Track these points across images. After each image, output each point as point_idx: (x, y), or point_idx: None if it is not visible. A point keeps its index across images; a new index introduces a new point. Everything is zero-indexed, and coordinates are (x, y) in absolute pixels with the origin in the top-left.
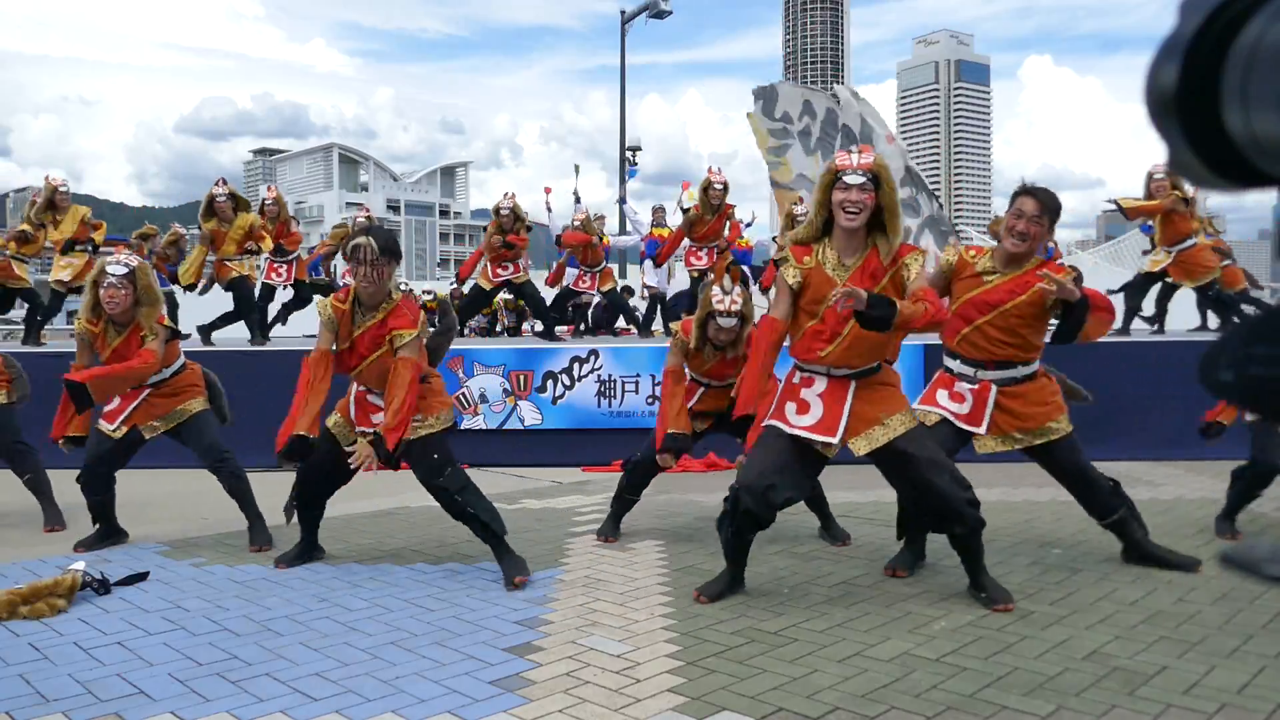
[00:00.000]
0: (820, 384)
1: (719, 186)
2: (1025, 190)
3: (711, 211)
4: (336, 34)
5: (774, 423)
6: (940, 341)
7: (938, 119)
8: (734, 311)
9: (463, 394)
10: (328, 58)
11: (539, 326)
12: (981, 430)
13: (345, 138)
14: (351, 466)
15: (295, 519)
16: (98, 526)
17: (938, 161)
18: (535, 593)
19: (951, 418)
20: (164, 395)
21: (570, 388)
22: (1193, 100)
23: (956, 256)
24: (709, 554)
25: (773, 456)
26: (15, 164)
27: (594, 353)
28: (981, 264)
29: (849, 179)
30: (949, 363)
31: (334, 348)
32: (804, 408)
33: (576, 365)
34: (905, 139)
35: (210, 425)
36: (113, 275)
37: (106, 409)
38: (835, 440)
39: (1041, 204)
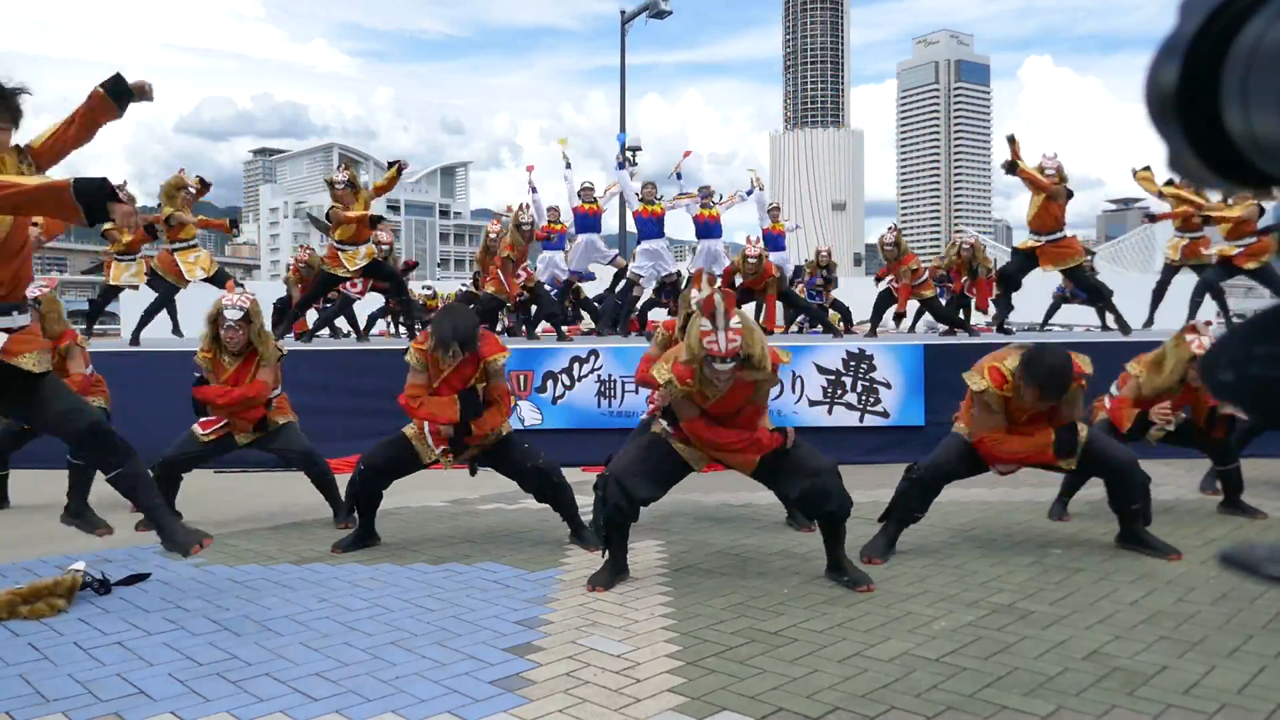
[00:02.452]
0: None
1: (753, 259)
2: (1041, 384)
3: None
4: (337, 34)
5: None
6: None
7: (938, 119)
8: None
9: None
10: (328, 58)
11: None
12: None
13: (345, 138)
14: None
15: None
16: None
17: (938, 161)
18: (535, 593)
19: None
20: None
21: (570, 388)
22: (1193, 100)
23: (996, 394)
24: (709, 554)
25: (643, 454)
26: None
27: (594, 353)
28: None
29: (719, 366)
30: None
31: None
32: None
33: (576, 365)
34: (905, 139)
35: (299, 434)
36: (231, 319)
37: (204, 419)
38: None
39: (1058, 393)
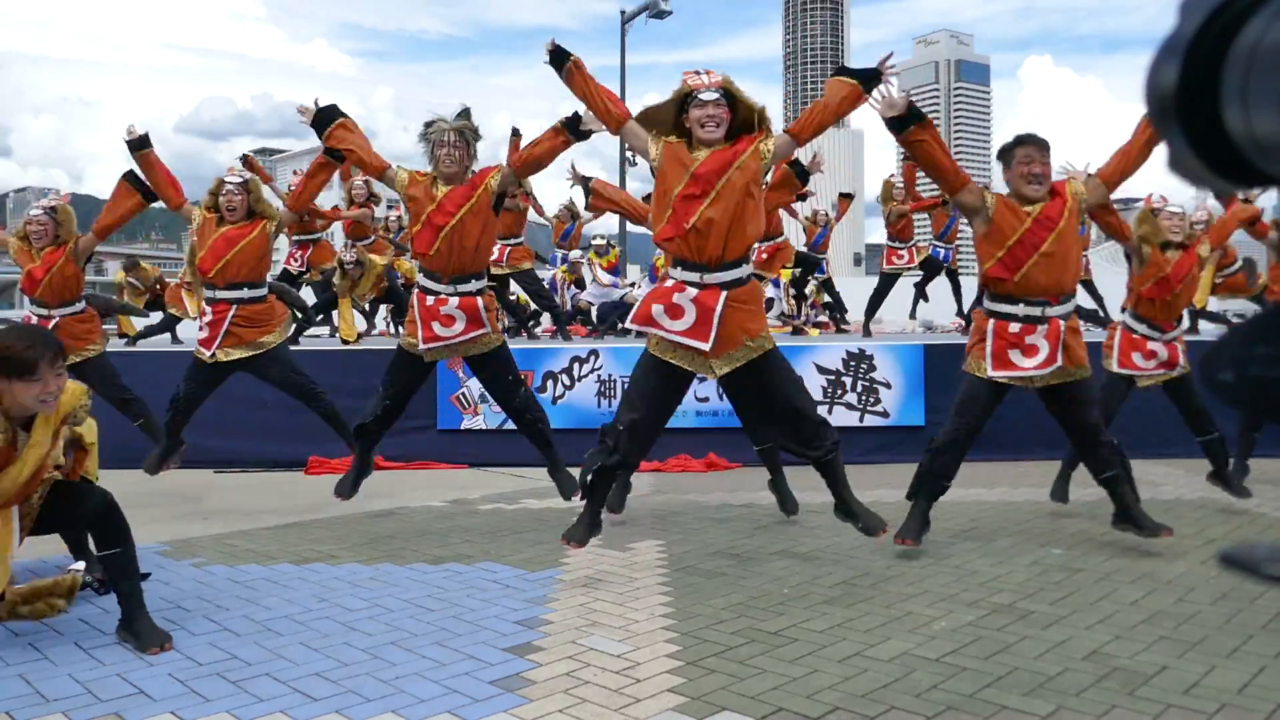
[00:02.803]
0: (691, 290)
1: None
2: (1023, 140)
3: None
4: (338, 34)
5: (647, 331)
6: (987, 295)
7: (938, 119)
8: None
9: (463, 394)
10: (329, 58)
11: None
12: (1055, 365)
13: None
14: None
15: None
16: (162, 444)
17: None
18: (535, 593)
19: (1034, 372)
20: (246, 325)
21: (570, 388)
22: (1193, 100)
23: (994, 196)
24: (709, 554)
25: (646, 396)
26: (15, 164)
27: (594, 353)
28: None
29: (705, 96)
30: (1009, 309)
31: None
32: (676, 312)
33: (576, 365)
34: None
35: (290, 360)
36: (230, 184)
37: (201, 336)
38: (708, 346)
39: (1043, 145)
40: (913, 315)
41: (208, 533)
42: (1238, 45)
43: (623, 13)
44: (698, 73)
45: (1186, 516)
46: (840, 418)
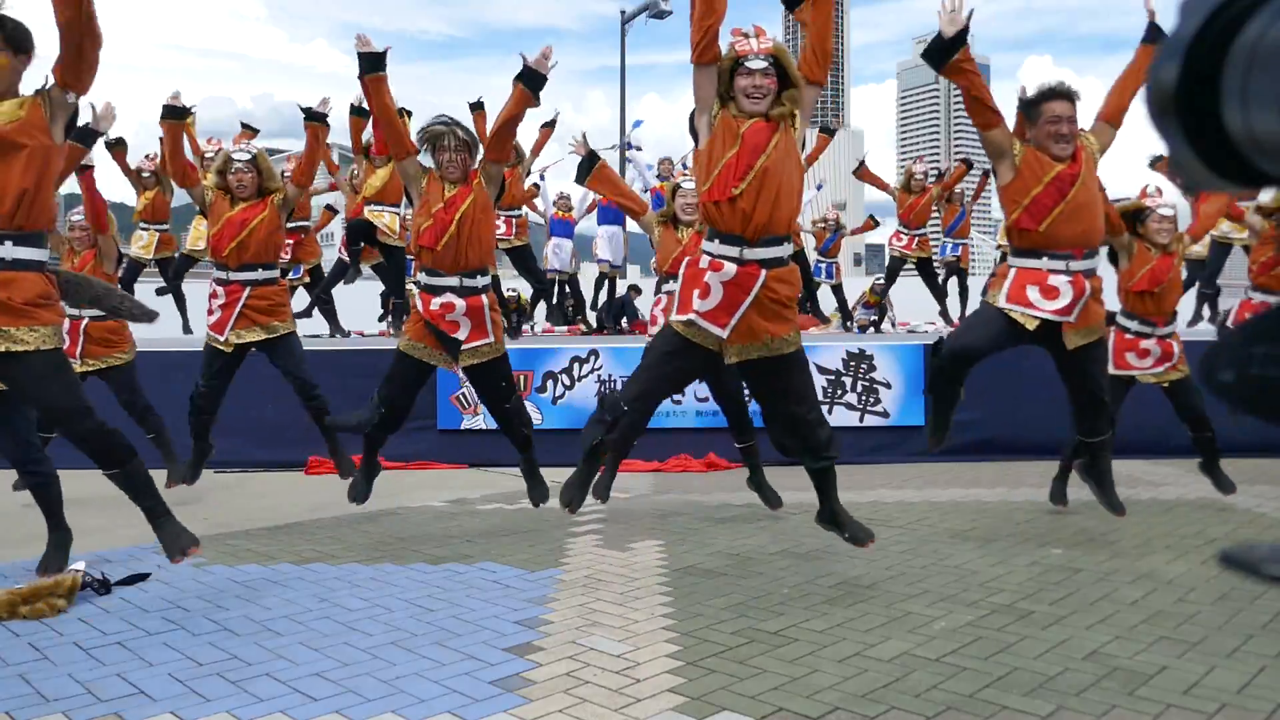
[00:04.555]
0: (729, 270)
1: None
2: (1050, 94)
3: None
4: (338, 34)
5: (675, 317)
6: (1011, 250)
7: (938, 119)
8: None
9: (463, 394)
10: (329, 58)
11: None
12: (1072, 319)
13: (345, 137)
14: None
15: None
16: (194, 455)
17: (938, 162)
18: (535, 592)
19: (1049, 315)
20: (259, 309)
21: (570, 388)
22: (1193, 100)
23: (1023, 145)
24: (709, 554)
25: (662, 373)
26: None
27: (594, 353)
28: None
29: (752, 65)
30: (1034, 263)
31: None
32: (705, 291)
33: (576, 365)
34: (905, 138)
35: (300, 350)
36: (239, 161)
37: (211, 320)
38: (724, 334)
39: (1072, 99)
40: (944, 313)
41: (208, 533)
42: (1238, 45)
43: (623, 13)
44: (746, 35)
45: (1186, 516)
46: (840, 418)
